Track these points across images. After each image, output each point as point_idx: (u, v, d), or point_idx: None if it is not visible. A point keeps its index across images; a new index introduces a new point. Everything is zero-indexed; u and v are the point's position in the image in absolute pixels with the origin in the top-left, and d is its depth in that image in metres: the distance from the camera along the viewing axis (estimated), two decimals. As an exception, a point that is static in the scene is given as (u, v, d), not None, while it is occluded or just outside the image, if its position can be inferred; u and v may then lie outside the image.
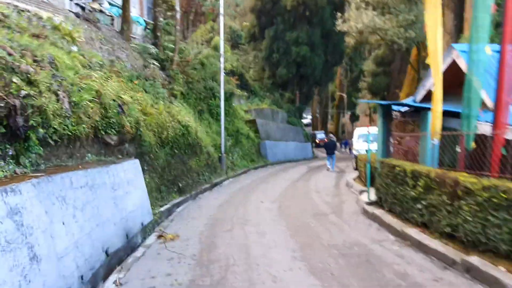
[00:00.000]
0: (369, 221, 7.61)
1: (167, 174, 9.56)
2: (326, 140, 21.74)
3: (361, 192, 10.22)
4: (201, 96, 17.40)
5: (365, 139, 17.82)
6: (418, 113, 8.38)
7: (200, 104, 17.24)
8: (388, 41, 19.01)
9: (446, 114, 7.41)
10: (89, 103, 5.66)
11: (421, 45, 20.09)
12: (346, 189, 12.30)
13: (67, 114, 4.92)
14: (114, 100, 6.68)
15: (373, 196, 8.47)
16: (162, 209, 8.22)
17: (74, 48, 7.92)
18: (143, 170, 8.13)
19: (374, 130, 19.78)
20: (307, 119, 56.99)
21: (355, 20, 19.39)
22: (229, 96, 19.63)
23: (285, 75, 32.83)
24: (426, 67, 23.63)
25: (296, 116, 34.57)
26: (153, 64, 12.77)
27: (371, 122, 50.68)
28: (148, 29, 17.82)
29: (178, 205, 9.20)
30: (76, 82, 5.68)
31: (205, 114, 17.36)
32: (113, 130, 6.36)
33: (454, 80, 7.65)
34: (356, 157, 16.80)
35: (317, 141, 43.72)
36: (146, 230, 6.77)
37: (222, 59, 15.87)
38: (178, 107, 12.23)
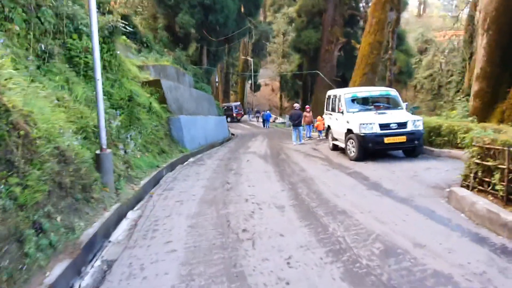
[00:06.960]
0: None
1: None
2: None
3: None
4: (47, 27, 8.17)
5: (363, 108, 10.90)
6: None
7: (45, 41, 8.02)
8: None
9: None
10: None
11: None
12: None
13: None
14: None
15: None
16: None
17: None
18: None
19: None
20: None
21: None
22: (110, 35, 10.54)
23: (187, 24, 23.87)
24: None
25: (204, 81, 26.15)
26: None
27: (275, 92, 45.33)
28: None
29: None
30: None
31: (58, 64, 8.19)
32: None
33: None
34: (359, 135, 9.65)
35: (234, 114, 36.49)
36: None
37: None
38: None
